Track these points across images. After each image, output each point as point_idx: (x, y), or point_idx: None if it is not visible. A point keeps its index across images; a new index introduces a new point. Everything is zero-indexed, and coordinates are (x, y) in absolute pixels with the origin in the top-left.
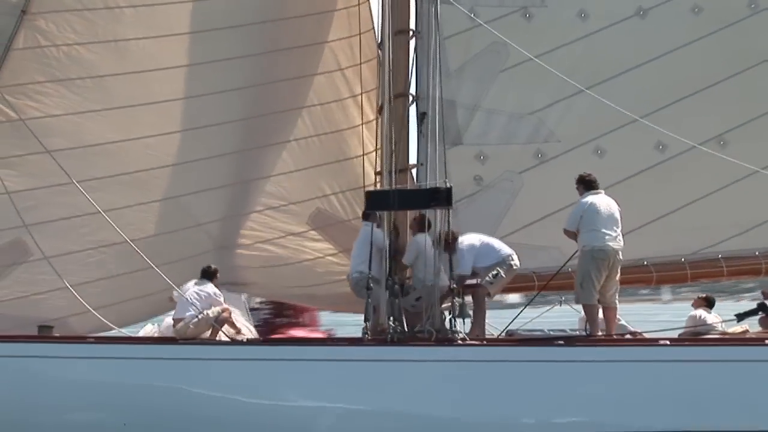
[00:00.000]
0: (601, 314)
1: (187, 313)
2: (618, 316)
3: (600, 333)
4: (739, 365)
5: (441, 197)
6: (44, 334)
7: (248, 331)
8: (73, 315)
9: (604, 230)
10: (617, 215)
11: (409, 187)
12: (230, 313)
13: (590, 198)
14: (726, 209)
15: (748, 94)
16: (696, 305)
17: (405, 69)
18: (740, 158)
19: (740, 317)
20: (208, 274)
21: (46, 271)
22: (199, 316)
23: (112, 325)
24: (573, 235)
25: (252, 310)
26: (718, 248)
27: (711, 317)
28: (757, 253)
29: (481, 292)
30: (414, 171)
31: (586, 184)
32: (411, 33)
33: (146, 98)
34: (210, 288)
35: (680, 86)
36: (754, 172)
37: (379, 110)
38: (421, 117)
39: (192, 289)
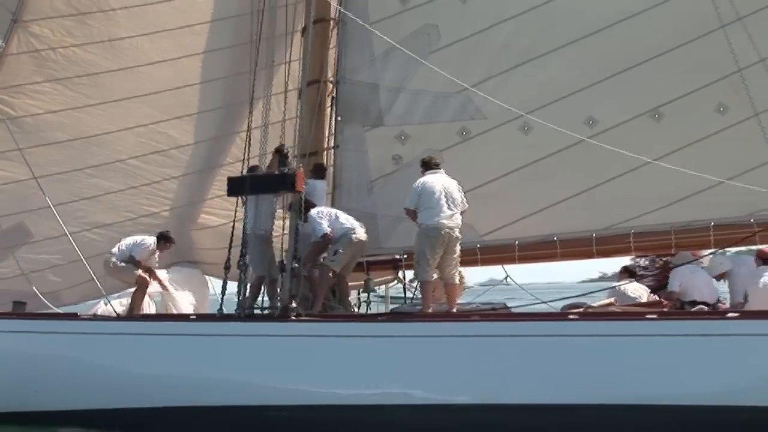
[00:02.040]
0: None
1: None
2: None
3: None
4: (540, 340)
5: (287, 182)
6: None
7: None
8: (65, 288)
9: (437, 209)
10: (456, 194)
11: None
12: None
13: (427, 177)
14: (653, 184)
15: (685, 68)
16: (620, 277)
17: (320, 56)
18: (674, 132)
19: None
20: (160, 236)
21: (45, 251)
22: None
23: (103, 293)
24: (413, 213)
25: None
26: (634, 222)
27: (633, 288)
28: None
29: (322, 269)
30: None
31: (425, 165)
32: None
33: (137, 91)
34: (147, 240)
35: (614, 61)
36: (685, 145)
37: (299, 96)
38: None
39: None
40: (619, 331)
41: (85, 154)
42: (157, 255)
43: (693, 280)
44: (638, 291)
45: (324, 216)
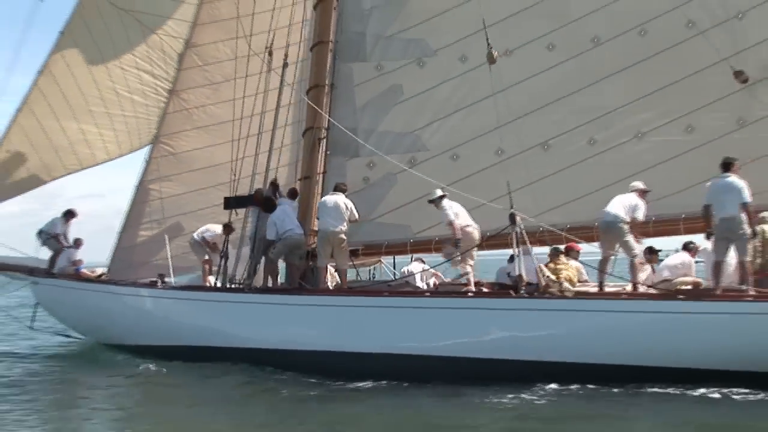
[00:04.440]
0: None
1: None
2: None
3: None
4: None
5: (251, 200)
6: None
7: None
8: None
9: (325, 219)
10: (341, 209)
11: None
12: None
13: (326, 197)
14: (549, 194)
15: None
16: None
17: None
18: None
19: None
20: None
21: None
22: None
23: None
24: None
25: None
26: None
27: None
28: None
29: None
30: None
31: (335, 188)
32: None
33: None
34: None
35: (518, 108)
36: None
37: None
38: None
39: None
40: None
41: (216, 176)
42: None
43: None
44: None
45: (271, 223)
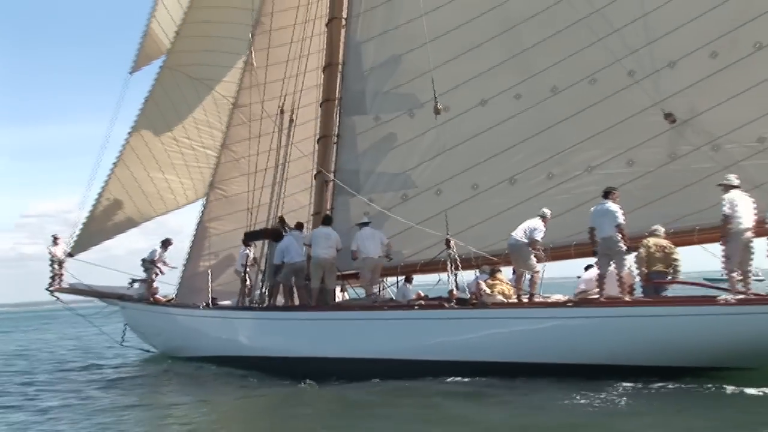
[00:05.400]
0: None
1: None
2: None
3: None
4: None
5: (261, 235)
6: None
7: None
8: None
9: (317, 248)
10: (332, 239)
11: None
12: None
13: (316, 230)
14: (515, 221)
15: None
16: None
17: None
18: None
19: None
20: None
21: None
22: None
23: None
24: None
25: None
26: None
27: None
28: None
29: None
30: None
31: (323, 221)
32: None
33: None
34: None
35: (488, 148)
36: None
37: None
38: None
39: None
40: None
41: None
42: None
43: None
44: None
45: (278, 250)
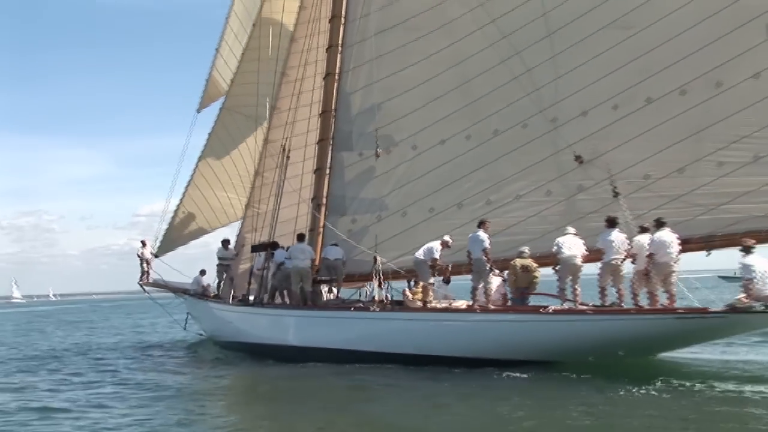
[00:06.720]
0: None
1: None
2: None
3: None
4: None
5: (263, 247)
6: None
7: None
8: None
9: (296, 259)
10: (306, 252)
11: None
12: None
13: (294, 245)
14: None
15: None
16: None
17: (319, 185)
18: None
19: None
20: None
21: None
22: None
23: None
24: None
25: None
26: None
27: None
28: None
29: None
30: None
31: (299, 238)
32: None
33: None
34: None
35: (446, 178)
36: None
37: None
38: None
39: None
40: None
41: (280, 228)
42: None
43: None
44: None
45: (280, 256)
